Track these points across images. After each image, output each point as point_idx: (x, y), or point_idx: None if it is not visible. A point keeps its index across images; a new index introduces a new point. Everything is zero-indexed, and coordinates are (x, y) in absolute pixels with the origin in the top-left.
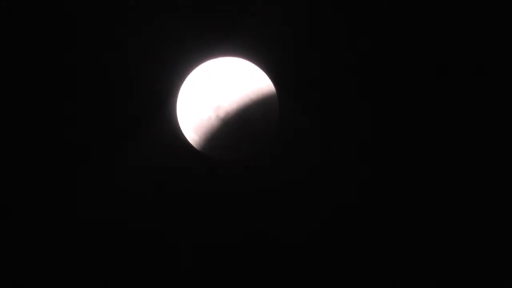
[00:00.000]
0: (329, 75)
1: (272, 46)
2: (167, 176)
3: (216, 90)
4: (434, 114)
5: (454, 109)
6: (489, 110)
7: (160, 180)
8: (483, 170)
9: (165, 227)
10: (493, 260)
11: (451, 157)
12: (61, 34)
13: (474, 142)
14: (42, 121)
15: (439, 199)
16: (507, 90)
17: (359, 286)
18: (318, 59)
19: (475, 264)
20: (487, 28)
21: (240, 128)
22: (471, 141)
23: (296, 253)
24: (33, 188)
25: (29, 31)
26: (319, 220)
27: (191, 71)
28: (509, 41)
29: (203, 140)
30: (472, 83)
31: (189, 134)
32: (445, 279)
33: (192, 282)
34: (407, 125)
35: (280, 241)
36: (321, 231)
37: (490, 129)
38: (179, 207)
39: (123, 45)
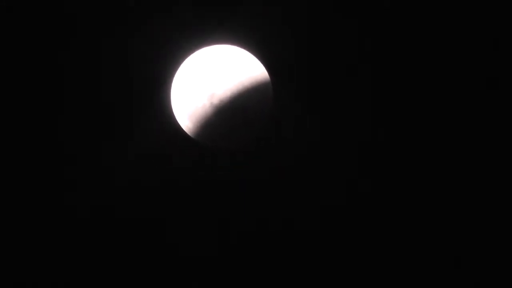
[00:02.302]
0: (323, 62)
1: (267, 33)
2: (161, 163)
3: (211, 77)
4: (433, 113)
5: (454, 109)
6: (489, 111)
7: (154, 168)
8: (482, 171)
9: (159, 214)
10: (493, 264)
11: (451, 158)
12: (56, 23)
13: (474, 144)
14: (35, 110)
15: (440, 200)
16: (507, 90)
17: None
18: (312, 46)
19: (473, 267)
20: (488, 28)
21: (234, 115)
22: (472, 142)
23: (289, 245)
24: (30, 184)
25: (27, 25)
26: (313, 209)
27: (186, 58)
28: (509, 41)
29: (197, 128)
30: (472, 83)
31: (184, 122)
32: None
33: (188, 272)
34: (403, 122)
35: (275, 231)
36: (315, 220)
37: (491, 131)
38: (173, 195)
39: (117, 32)
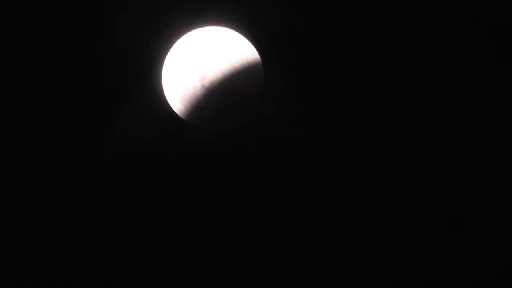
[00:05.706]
0: (314, 44)
1: (257, 14)
2: (152, 145)
3: (201, 59)
4: (430, 112)
5: (452, 108)
6: (489, 111)
7: (145, 150)
8: (480, 171)
9: (149, 196)
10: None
11: (443, 151)
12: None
13: (472, 143)
14: (26, 90)
15: (429, 193)
16: (507, 90)
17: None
18: (304, 28)
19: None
20: (488, 28)
21: (225, 97)
22: (468, 141)
23: (275, 221)
24: (17, 155)
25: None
26: (305, 190)
27: (177, 40)
28: (509, 41)
29: (188, 110)
30: (471, 83)
31: (174, 104)
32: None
33: (178, 252)
34: (398, 119)
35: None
36: (307, 203)
37: (489, 130)
38: (164, 177)
39: (108, 14)
